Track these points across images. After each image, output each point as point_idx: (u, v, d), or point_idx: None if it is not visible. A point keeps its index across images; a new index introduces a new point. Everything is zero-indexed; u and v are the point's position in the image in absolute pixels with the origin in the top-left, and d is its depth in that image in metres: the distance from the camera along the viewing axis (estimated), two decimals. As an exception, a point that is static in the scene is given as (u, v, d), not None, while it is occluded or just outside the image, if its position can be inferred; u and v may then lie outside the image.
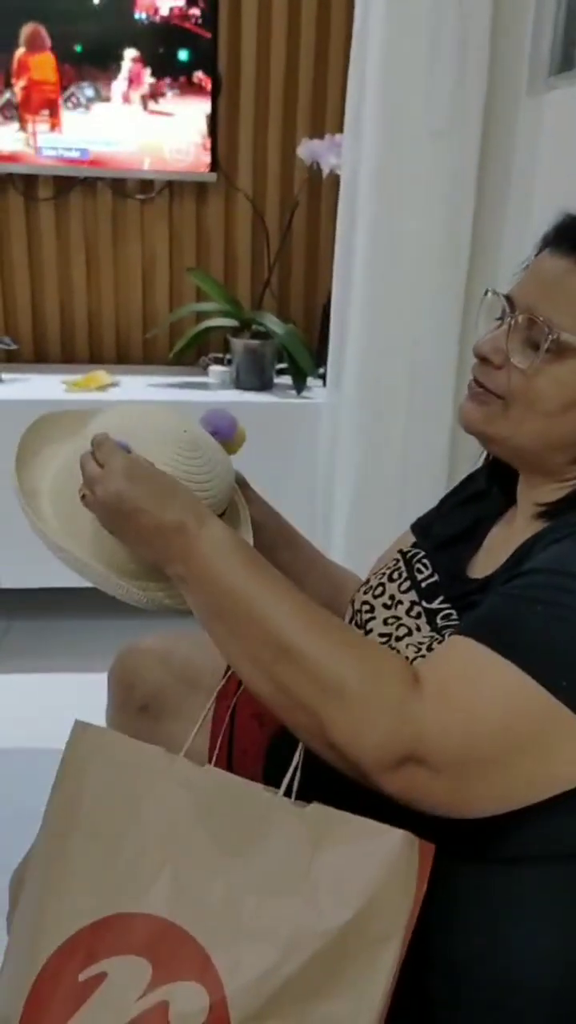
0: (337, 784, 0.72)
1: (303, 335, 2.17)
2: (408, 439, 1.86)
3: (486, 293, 0.81)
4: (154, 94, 2.13)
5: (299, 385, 2.10)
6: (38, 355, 2.34)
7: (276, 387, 2.18)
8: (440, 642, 0.79)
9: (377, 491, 1.90)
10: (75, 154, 2.15)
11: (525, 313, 0.75)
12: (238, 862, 0.68)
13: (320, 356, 2.17)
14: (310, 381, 2.14)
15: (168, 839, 0.71)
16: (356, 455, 1.91)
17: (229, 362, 2.21)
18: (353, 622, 0.95)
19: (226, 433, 0.94)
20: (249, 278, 2.36)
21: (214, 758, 0.87)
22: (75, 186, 2.22)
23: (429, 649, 0.78)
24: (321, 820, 0.67)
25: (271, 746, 0.98)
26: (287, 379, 2.15)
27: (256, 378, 2.14)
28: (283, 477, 2.01)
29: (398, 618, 0.87)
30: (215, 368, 2.22)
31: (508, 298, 0.78)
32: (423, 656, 0.78)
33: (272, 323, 2.09)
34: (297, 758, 0.75)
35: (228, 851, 0.69)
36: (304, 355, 2.07)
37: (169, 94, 2.13)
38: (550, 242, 0.77)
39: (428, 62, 1.66)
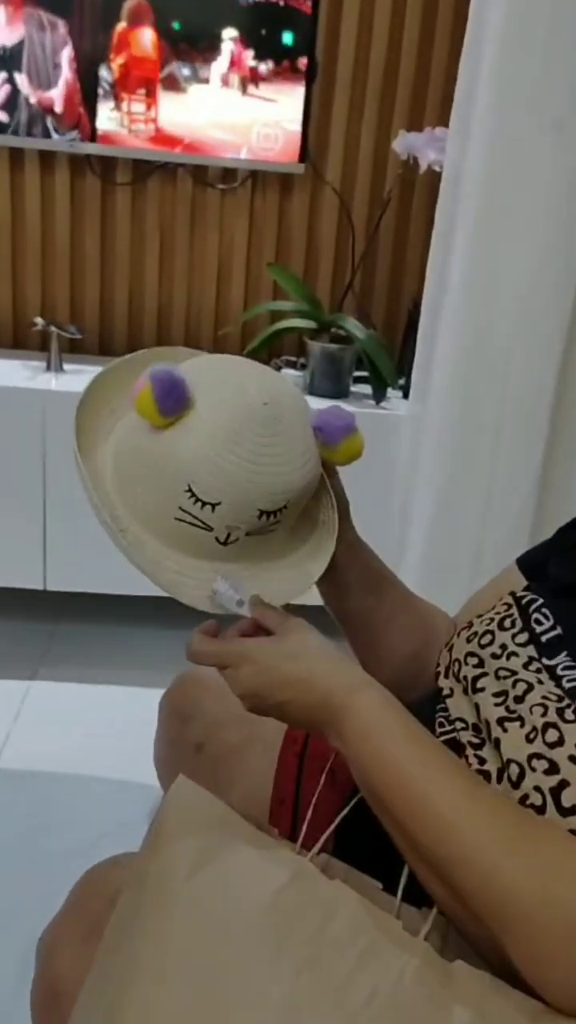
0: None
1: (385, 342, 2.03)
2: (495, 462, 1.71)
3: None
4: (255, 78, 2.00)
5: (379, 395, 1.96)
6: (103, 346, 2.23)
7: (352, 395, 2.04)
8: (573, 708, 0.66)
9: (458, 514, 1.75)
10: (153, 135, 2.03)
11: None
12: (366, 1008, 0.55)
13: (401, 366, 2.03)
14: (389, 392, 1.99)
15: (280, 957, 0.58)
16: (437, 474, 1.77)
17: (303, 366, 2.07)
18: (450, 673, 0.81)
19: (332, 435, 0.79)
20: (330, 278, 2.22)
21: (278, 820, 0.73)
22: (154, 171, 2.11)
23: (560, 710, 0.65)
24: (478, 988, 0.55)
25: (345, 807, 0.85)
26: (365, 387, 2.01)
27: (332, 384, 2.00)
28: (356, 491, 1.82)
29: (512, 672, 0.73)
30: (288, 372, 2.09)
31: None
32: (553, 719, 0.65)
33: (353, 327, 1.96)
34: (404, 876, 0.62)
35: (358, 991, 0.56)
36: (386, 363, 1.93)
37: (270, 79, 2.00)
38: None
39: (548, 51, 1.51)
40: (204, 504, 0.74)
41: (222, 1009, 0.57)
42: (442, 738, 0.75)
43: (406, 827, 0.62)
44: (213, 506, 0.74)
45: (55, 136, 2.02)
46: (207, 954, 0.59)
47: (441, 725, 0.76)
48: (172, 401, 0.73)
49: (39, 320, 2.04)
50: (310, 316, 2.02)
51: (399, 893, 0.65)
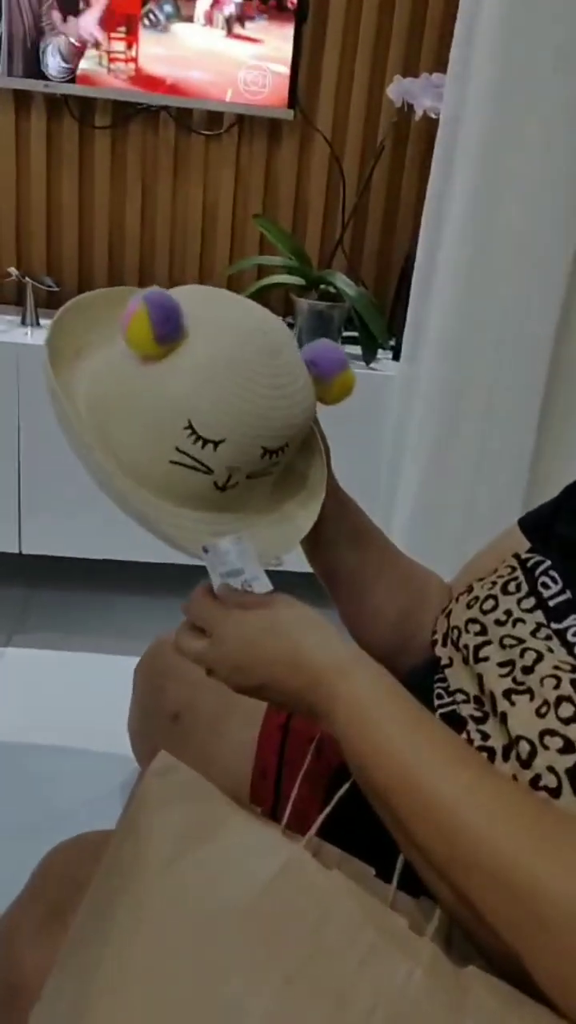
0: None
1: (376, 300, 1.95)
2: (489, 423, 1.64)
3: None
4: (241, 16, 1.89)
5: (369, 355, 1.89)
6: (82, 300, 2.14)
7: (341, 355, 1.96)
8: None
9: (449, 477, 1.69)
10: (133, 75, 1.92)
11: None
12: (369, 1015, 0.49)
13: (392, 325, 1.96)
14: (379, 352, 1.92)
15: (266, 964, 0.52)
16: (429, 435, 1.70)
17: (291, 324, 1.99)
18: (448, 641, 0.76)
19: (325, 369, 0.74)
20: (319, 232, 2.13)
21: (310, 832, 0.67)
22: (136, 115, 2.00)
23: (574, 681, 0.60)
24: (494, 999, 0.49)
25: (332, 784, 0.79)
26: (355, 348, 1.93)
27: (321, 343, 1.92)
28: (343, 452, 1.75)
29: (519, 640, 0.68)
30: (275, 329, 2.00)
31: None
32: (568, 692, 0.60)
33: (343, 284, 1.87)
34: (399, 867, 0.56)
35: (358, 997, 0.50)
36: (378, 322, 1.85)
37: (258, 18, 1.89)
38: None
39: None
40: (206, 442, 0.68)
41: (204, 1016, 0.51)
42: (440, 711, 0.70)
43: (409, 824, 0.56)
44: (216, 444, 0.68)
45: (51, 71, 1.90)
46: (187, 958, 0.53)
47: (440, 697, 0.71)
48: (170, 327, 0.66)
49: (13, 271, 1.94)
50: (298, 272, 1.93)
51: (394, 881, 0.60)
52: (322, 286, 1.91)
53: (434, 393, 1.68)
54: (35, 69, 1.90)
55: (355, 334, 1.90)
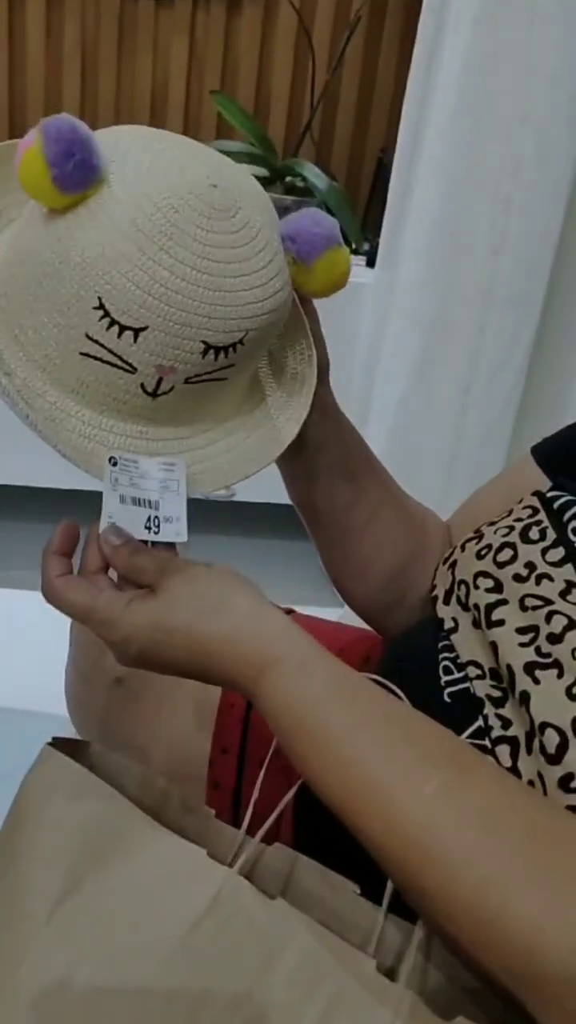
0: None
1: (348, 196, 1.75)
2: (481, 334, 1.49)
3: None
4: None
5: (341, 259, 1.71)
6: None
7: (309, 258, 1.77)
8: None
9: (432, 398, 1.54)
10: None
11: None
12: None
13: (365, 225, 1.77)
14: (352, 257, 1.74)
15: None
16: (408, 352, 1.54)
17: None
18: (452, 599, 0.65)
19: (304, 247, 0.57)
20: (285, 115, 1.92)
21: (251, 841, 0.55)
22: (73, -26, 1.75)
23: None
24: None
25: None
26: (324, 250, 1.75)
27: (286, 245, 1.74)
28: None
29: (545, 601, 0.56)
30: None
31: None
32: None
33: (313, 175, 1.69)
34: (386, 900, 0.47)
35: None
36: (351, 221, 1.68)
37: None
38: None
39: None
40: (123, 329, 0.52)
41: None
42: (449, 689, 0.60)
43: (375, 843, 0.46)
44: (136, 332, 0.52)
45: None
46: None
47: (447, 671, 0.61)
48: (73, 165, 0.50)
49: None
50: (261, 161, 1.74)
51: (385, 901, 0.48)
52: (288, 178, 1.74)
53: (415, 303, 1.51)
54: None
55: (325, 234, 1.72)
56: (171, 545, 0.58)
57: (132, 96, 1.88)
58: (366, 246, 1.76)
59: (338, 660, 0.52)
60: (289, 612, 0.89)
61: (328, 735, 0.48)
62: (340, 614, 1.52)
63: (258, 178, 1.65)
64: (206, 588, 0.54)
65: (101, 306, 0.51)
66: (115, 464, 0.56)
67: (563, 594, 0.56)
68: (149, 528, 0.57)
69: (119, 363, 0.54)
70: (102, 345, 0.53)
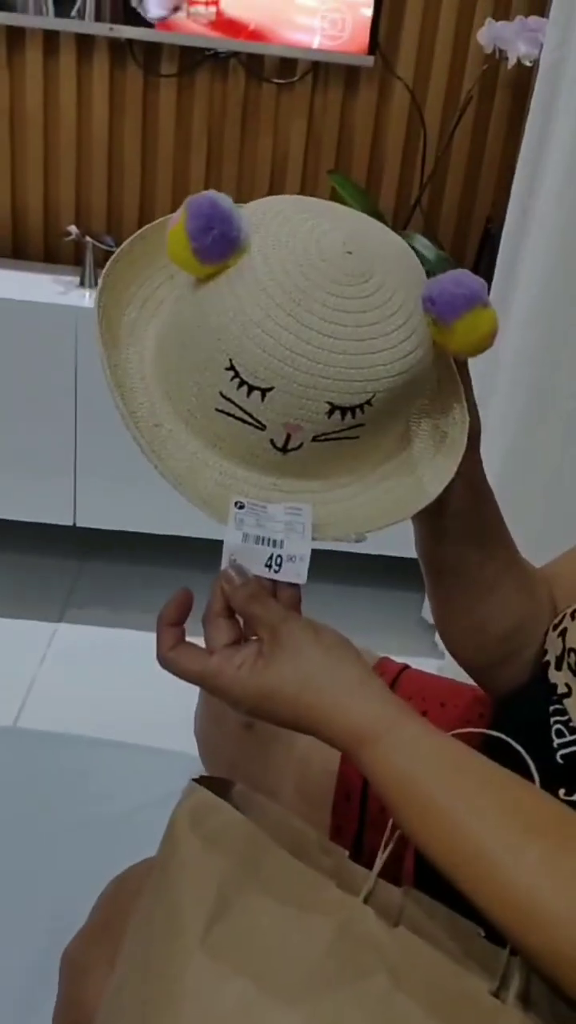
0: None
1: (454, 263, 1.81)
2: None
3: None
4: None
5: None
6: (142, 260, 2.04)
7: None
8: None
9: (534, 460, 1.56)
10: (211, 20, 1.79)
11: None
12: None
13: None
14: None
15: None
16: (513, 415, 1.57)
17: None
18: (564, 665, 0.67)
19: (443, 308, 0.56)
20: (395, 190, 1.99)
21: (369, 882, 0.58)
22: (203, 62, 1.88)
23: None
24: None
25: None
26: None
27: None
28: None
29: None
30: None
31: None
32: None
33: (422, 246, 1.75)
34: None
35: None
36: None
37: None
38: None
39: None
40: (251, 389, 0.55)
41: None
42: (561, 752, 0.62)
43: (477, 899, 0.49)
44: (263, 392, 0.55)
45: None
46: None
47: (559, 735, 0.63)
48: (212, 239, 0.53)
49: (73, 229, 1.85)
50: (373, 232, 1.81)
51: (508, 947, 0.51)
52: (399, 249, 1.79)
53: (520, 367, 1.55)
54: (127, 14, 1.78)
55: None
56: (294, 586, 0.59)
57: (254, 173, 1.98)
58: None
59: (440, 732, 0.54)
60: (405, 668, 0.92)
61: (432, 806, 0.51)
62: (440, 665, 1.55)
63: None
64: (312, 661, 0.56)
65: (232, 367, 0.54)
66: (241, 508, 0.58)
67: None
68: (270, 566, 0.57)
69: (249, 420, 0.56)
70: (234, 403, 0.56)
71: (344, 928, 0.50)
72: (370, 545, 0.60)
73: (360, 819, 0.81)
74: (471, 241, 1.99)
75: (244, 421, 0.56)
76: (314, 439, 0.57)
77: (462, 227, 2.02)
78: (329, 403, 0.55)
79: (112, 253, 0.64)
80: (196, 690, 1.05)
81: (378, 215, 1.83)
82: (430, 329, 0.57)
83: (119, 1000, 0.55)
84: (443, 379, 0.64)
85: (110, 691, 1.60)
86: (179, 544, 1.77)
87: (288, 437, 0.56)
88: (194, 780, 0.59)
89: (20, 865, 1.16)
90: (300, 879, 0.53)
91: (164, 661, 0.59)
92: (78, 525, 1.84)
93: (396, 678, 0.90)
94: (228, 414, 0.57)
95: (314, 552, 0.58)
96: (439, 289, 0.56)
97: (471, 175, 1.98)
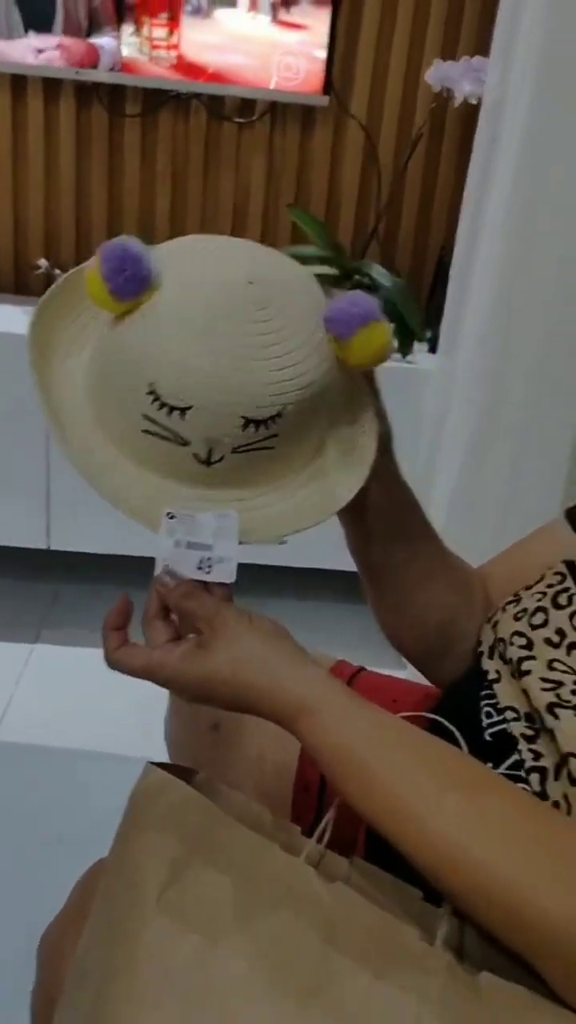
0: None
1: (411, 291, 1.90)
2: (529, 416, 1.59)
3: None
4: (287, 1, 1.83)
5: (405, 348, 1.84)
6: (111, 292, 2.11)
7: (376, 348, 1.91)
8: None
9: (487, 472, 1.64)
10: (172, 63, 1.88)
11: None
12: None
13: (428, 317, 1.91)
14: (415, 345, 1.87)
15: (275, 980, 0.51)
16: (466, 430, 1.65)
17: (324, 316, 1.94)
18: (495, 654, 0.72)
19: (339, 327, 0.62)
20: (353, 222, 2.09)
21: (309, 846, 0.64)
22: (166, 103, 1.96)
23: None
24: (509, 1004, 0.49)
25: None
26: (390, 340, 1.89)
27: (355, 336, 1.88)
28: None
29: (572, 670, 0.64)
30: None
31: None
32: None
33: (379, 275, 1.83)
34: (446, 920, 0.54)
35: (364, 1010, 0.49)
36: (414, 314, 1.80)
37: (303, 2, 1.83)
38: None
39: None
40: (172, 409, 0.61)
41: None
42: (490, 730, 0.67)
43: (408, 852, 0.54)
44: (182, 411, 0.60)
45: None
46: (191, 983, 0.51)
47: (488, 715, 0.68)
48: (123, 279, 0.60)
49: (43, 263, 1.92)
50: (332, 262, 1.89)
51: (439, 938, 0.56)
52: (356, 277, 1.87)
53: (472, 387, 1.63)
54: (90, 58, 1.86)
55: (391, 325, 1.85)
56: (226, 585, 0.64)
57: (217, 209, 2.06)
58: (429, 335, 1.89)
59: (372, 705, 0.59)
60: (360, 670, 0.97)
61: (366, 770, 0.56)
62: (406, 674, 1.61)
63: (329, 278, 1.82)
64: (247, 643, 0.61)
65: (153, 392, 0.60)
66: (172, 518, 0.63)
67: None
68: (201, 568, 0.63)
69: (173, 437, 0.62)
70: (158, 423, 0.61)
71: (289, 886, 0.55)
72: (328, 561, 0.65)
73: (318, 809, 0.85)
74: (427, 268, 2.08)
75: (169, 439, 0.62)
76: (234, 451, 0.62)
77: (418, 255, 2.11)
78: (243, 417, 0.61)
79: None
80: (165, 702, 1.10)
81: (337, 247, 1.92)
82: (332, 346, 0.63)
83: (84, 967, 0.59)
84: (352, 391, 0.70)
85: (87, 708, 1.65)
86: (151, 564, 1.82)
87: (210, 451, 0.62)
88: (151, 763, 0.63)
89: None
90: (250, 845, 0.57)
91: (111, 662, 0.65)
92: (52, 548, 1.89)
93: (351, 680, 0.95)
94: (154, 434, 0.62)
95: (314, 571, 0.64)
96: (336, 310, 0.63)
97: (424, 206, 2.08)
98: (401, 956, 0.51)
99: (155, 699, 1.10)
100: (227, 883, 0.55)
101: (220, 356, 0.59)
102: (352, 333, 0.62)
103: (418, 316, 1.82)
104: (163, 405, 0.60)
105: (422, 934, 0.53)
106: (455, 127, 1.99)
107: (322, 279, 1.92)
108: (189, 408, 0.60)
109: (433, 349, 1.85)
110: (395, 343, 1.67)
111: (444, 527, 1.64)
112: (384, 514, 0.75)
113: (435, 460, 1.75)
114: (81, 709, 1.64)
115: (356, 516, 0.73)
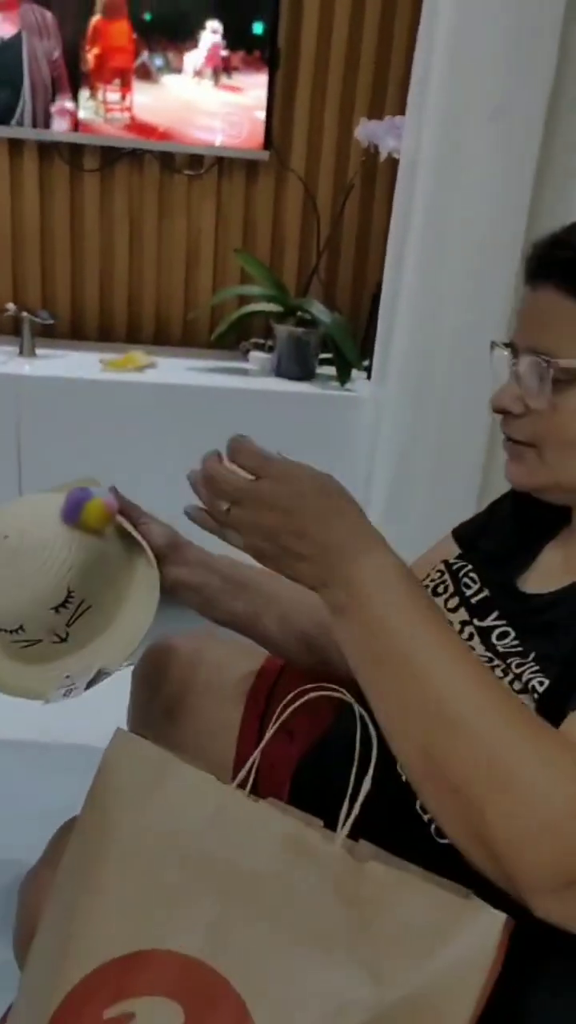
0: (393, 825, 0.66)
1: (349, 325, 2.09)
2: (444, 438, 1.80)
3: (492, 347, 0.79)
4: (227, 67, 2.05)
5: (343, 377, 2.03)
6: (75, 331, 2.28)
7: (318, 377, 2.10)
8: (501, 667, 0.72)
9: (413, 490, 1.84)
10: (126, 124, 2.08)
11: (528, 354, 0.72)
12: (288, 912, 0.61)
13: (366, 348, 2.10)
14: (354, 374, 2.06)
15: (212, 874, 0.64)
16: (394, 453, 1.85)
17: (271, 349, 2.13)
18: None
19: (69, 516, 0.84)
20: (296, 263, 2.28)
21: (241, 774, 0.79)
22: (121, 158, 2.15)
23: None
24: (388, 882, 0.60)
25: (299, 767, 0.92)
26: (330, 369, 2.08)
27: (298, 367, 2.07)
28: (324, 468, 1.85)
29: None
30: (256, 354, 2.15)
31: (510, 345, 0.76)
32: None
33: (318, 311, 2.02)
34: (353, 790, 0.68)
35: (279, 898, 0.62)
36: (350, 346, 1.99)
37: (240, 68, 2.05)
38: (529, 275, 0.75)
39: (499, 45, 1.58)
40: (12, 631, 0.85)
41: (158, 919, 0.63)
42: None
43: (398, 683, 0.62)
44: (20, 628, 0.84)
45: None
46: (146, 876, 0.66)
47: None
48: None
49: (11, 306, 2.08)
50: (277, 300, 2.08)
51: (340, 826, 0.67)
52: (299, 313, 2.05)
53: (399, 410, 1.82)
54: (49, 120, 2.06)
55: (331, 356, 2.04)
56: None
57: (171, 253, 2.25)
58: (366, 363, 2.08)
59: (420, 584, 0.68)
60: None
61: (400, 605, 0.64)
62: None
63: (274, 314, 2.01)
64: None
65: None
66: (67, 694, 0.85)
67: (459, 631, 0.79)
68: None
69: (30, 639, 0.85)
70: (16, 637, 0.84)
71: (220, 806, 0.67)
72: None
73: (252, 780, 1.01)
74: (364, 305, 2.27)
75: (30, 641, 0.85)
76: (68, 624, 0.85)
77: (356, 293, 2.31)
78: (51, 608, 0.83)
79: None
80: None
81: (280, 286, 2.11)
82: (76, 531, 0.84)
83: (58, 893, 0.72)
84: (124, 547, 0.89)
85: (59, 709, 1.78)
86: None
87: (58, 633, 0.85)
88: (119, 728, 0.72)
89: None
90: (199, 783, 0.70)
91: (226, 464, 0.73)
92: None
93: (280, 671, 1.07)
94: (20, 641, 0.85)
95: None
96: (64, 507, 0.83)
97: (361, 248, 2.28)
98: (300, 856, 0.63)
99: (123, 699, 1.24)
100: (176, 805, 0.69)
101: (4, 584, 0.83)
102: (78, 515, 0.83)
103: (355, 348, 2.01)
104: (9, 632, 0.85)
105: (324, 836, 0.66)
106: (384, 177, 2.19)
107: (268, 315, 2.13)
108: (21, 626, 0.84)
109: (371, 377, 2.03)
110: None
111: (380, 531, 1.84)
112: (202, 588, 0.90)
113: (372, 478, 1.94)
114: (55, 719, 1.76)
115: (184, 598, 0.90)
